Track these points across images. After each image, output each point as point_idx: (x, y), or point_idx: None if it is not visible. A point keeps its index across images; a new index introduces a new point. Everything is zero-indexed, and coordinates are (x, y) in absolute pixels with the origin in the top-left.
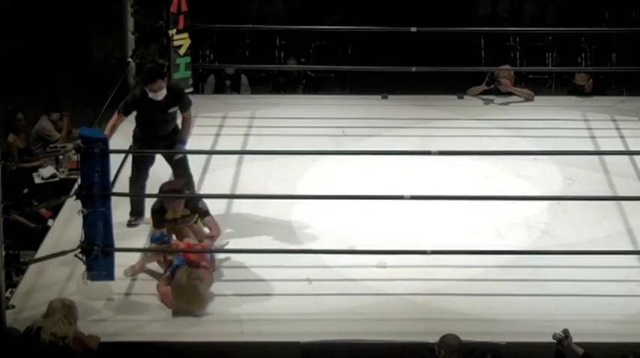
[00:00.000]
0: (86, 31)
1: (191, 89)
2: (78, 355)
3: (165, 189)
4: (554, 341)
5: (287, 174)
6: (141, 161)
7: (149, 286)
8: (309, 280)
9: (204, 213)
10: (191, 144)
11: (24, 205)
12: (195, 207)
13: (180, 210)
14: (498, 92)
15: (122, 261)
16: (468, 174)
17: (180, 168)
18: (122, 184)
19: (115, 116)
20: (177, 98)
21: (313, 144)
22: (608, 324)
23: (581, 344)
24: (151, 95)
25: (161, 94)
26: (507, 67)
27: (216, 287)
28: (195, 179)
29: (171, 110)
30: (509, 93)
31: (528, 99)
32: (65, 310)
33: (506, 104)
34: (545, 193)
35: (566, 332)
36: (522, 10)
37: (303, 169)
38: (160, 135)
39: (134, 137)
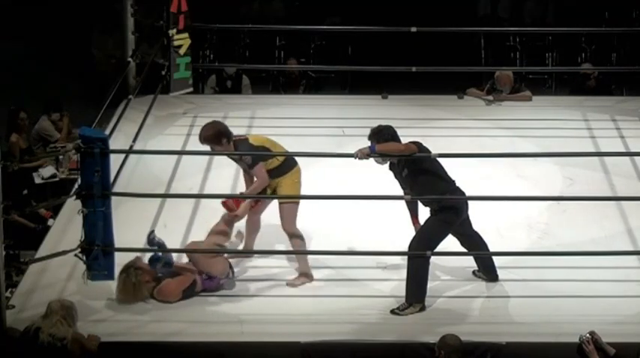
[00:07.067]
0: (86, 31)
1: (191, 89)
2: (76, 356)
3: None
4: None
5: None
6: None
7: None
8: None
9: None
10: (191, 144)
11: (24, 205)
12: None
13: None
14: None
15: (122, 261)
16: (468, 174)
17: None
18: (122, 184)
19: None
20: None
21: (313, 144)
22: (608, 324)
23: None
24: None
25: None
26: (506, 70)
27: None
28: (196, 179)
29: None
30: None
31: (526, 101)
32: (64, 311)
33: (506, 104)
34: (545, 193)
35: (592, 333)
36: (522, 10)
37: (302, 169)
38: None
39: None
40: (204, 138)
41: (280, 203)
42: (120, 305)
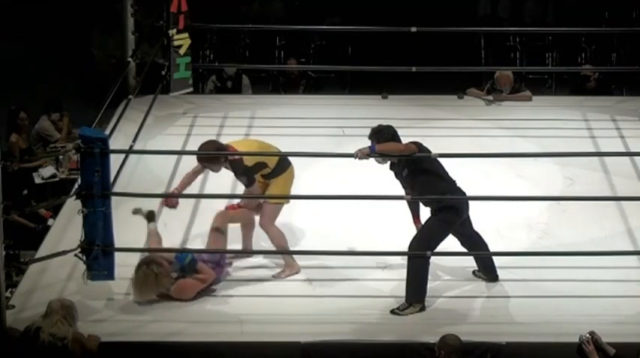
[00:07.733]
0: (86, 31)
1: (191, 89)
2: (77, 356)
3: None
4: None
5: None
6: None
7: None
8: (309, 280)
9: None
10: (191, 144)
11: (24, 205)
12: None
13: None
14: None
15: (122, 261)
16: (468, 174)
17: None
18: (122, 184)
19: None
20: None
21: (313, 144)
22: (608, 324)
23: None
24: None
25: None
26: (506, 70)
27: (216, 287)
28: (196, 179)
29: None
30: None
31: (526, 101)
32: (64, 311)
33: (506, 104)
34: (545, 193)
35: (592, 333)
36: (522, 10)
37: (302, 169)
38: None
39: None
40: (200, 158)
41: (265, 201)
42: (136, 301)
